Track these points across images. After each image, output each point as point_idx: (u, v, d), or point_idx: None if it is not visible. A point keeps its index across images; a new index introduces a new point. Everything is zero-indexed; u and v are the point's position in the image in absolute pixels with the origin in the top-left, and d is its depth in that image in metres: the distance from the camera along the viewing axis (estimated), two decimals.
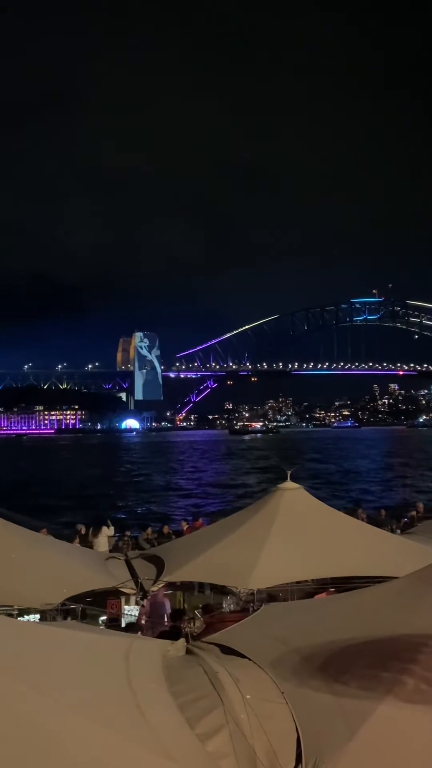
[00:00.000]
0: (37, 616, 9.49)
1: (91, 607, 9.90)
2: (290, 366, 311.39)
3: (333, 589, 9.58)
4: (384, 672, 4.58)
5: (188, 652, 5.86)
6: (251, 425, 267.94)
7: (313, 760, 3.94)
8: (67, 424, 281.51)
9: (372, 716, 4.20)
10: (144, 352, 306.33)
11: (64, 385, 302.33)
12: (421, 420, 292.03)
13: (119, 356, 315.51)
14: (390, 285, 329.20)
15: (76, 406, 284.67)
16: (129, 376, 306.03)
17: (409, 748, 4.06)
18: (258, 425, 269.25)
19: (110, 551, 14.08)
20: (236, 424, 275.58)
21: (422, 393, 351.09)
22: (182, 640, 6.05)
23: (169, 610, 10.35)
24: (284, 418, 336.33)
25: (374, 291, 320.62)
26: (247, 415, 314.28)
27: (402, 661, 4.61)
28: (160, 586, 10.11)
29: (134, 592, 10.05)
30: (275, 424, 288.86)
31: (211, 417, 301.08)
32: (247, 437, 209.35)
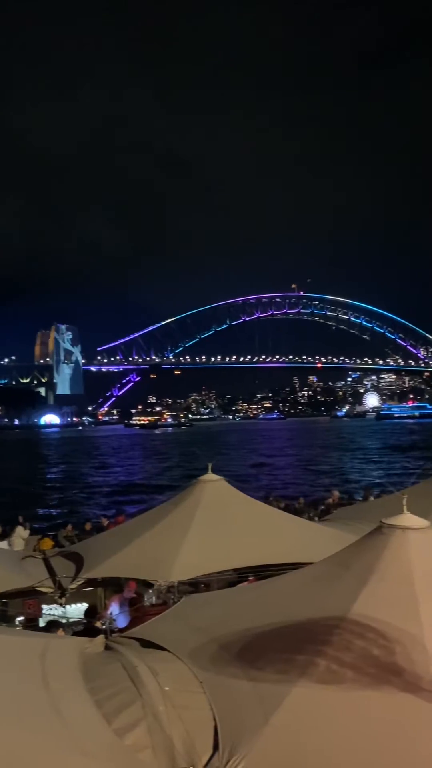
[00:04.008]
0: None
1: (5, 608, 9.62)
2: (213, 359, 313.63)
3: (253, 578, 9.77)
4: (298, 655, 4.72)
5: (107, 648, 5.82)
6: (163, 418, 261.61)
7: (230, 746, 4.02)
8: None
9: (286, 699, 4.33)
10: (64, 345, 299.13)
11: None
12: (343, 411, 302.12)
13: (37, 350, 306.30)
14: (309, 280, 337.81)
15: None
16: (48, 369, 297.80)
17: (321, 728, 4.20)
18: (168, 418, 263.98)
19: (27, 551, 13.69)
20: (130, 419, 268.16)
21: (340, 385, 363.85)
22: (101, 637, 6.01)
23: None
24: (207, 410, 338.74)
25: (293, 285, 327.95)
26: (150, 408, 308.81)
27: (315, 643, 4.77)
28: (79, 583, 9.95)
29: (52, 590, 9.84)
30: (188, 416, 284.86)
31: (134, 411, 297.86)
32: (157, 431, 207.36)
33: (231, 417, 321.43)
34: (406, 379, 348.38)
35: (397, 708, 4.20)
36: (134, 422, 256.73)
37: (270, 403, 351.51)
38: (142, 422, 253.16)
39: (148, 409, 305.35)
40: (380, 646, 4.54)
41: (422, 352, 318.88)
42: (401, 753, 3.97)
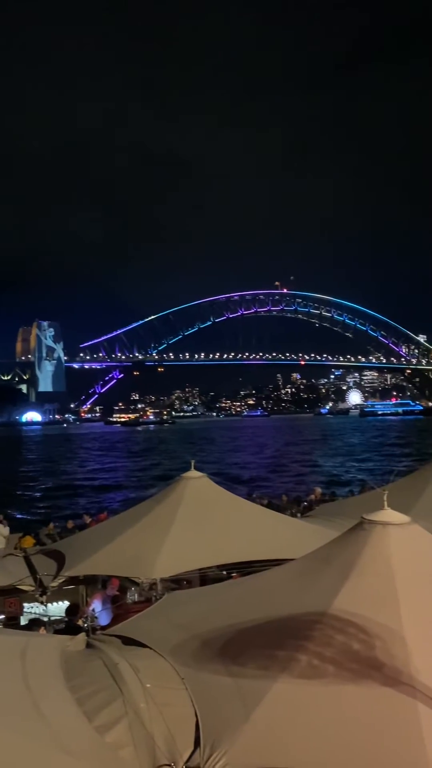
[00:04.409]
0: None
1: None
2: (196, 356, 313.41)
3: (236, 575, 9.78)
4: (280, 651, 4.74)
5: (89, 645, 5.80)
6: (145, 416, 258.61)
7: (211, 742, 4.03)
8: None
9: (267, 694, 4.34)
10: (46, 341, 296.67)
11: None
12: (326, 408, 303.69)
13: (19, 346, 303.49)
14: (292, 277, 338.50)
15: None
16: (29, 366, 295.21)
17: (301, 722, 4.23)
18: (151, 415, 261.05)
19: (8, 549, 13.58)
20: (110, 416, 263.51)
21: (322, 382, 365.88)
22: (82, 635, 5.97)
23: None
24: (191, 408, 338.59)
25: (277, 283, 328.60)
26: (136, 406, 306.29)
27: (297, 638, 4.80)
28: (61, 581, 9.89)
29: (33, 588, 9.77)
30: (171, 413, 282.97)
31: (116, 408, 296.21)
32: (139, 428, 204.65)
33: (215, 414, 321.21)
34: (388, 376, 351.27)
35: (377, 702, 4.24)
36: (114, 419, 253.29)
37: (253, 401, 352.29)
38: (122, 419, 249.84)
39: (131, 407, 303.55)
40: (361, 641, 4.57)
41: (404, 350, 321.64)
42: (381, 746, 4.00)
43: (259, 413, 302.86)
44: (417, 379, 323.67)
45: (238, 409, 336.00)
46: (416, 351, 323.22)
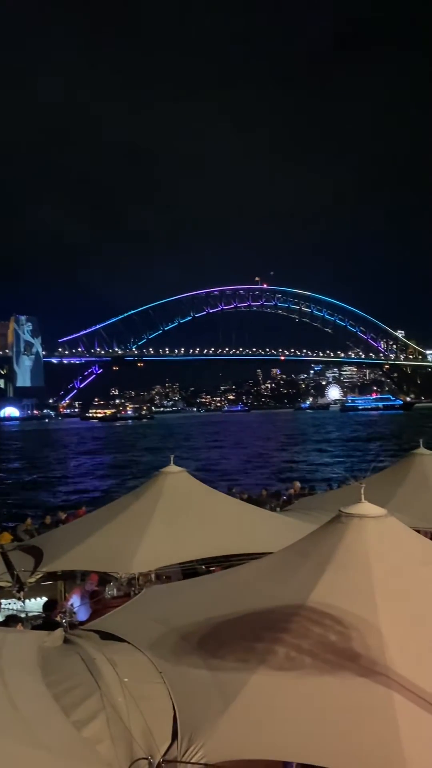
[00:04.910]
0: None
1: None
2: (176, 351, 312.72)
3: (215, 568, 9.81)
4: (258, 643, 4.76)
5: (67, 641, 5.76)
6: (123, 411, 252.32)
7: (188, 735, 4.03)
8: None
9: (245, 687, 4.36)
10: (24, 336, 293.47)
11: None
12: (307, 403, 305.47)
13: None
14: (272, 273, 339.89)
15: None
16: (7, 361, 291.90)
17: (279, 714, 4.26)
18: (129, 410, 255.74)
19: None
20: (86, 411, 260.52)
21: (302, 377, 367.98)
22: (59, 630, 5.94)
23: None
24: (171, 403, 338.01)
25: (257, 278, 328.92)
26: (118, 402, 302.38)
27: (275, 631, 4.82)
28: (39, 576, 9.82)
29: (10, 584, 9.68)
30: (151, 408, 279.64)
31: (96, 403, 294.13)
32: (117, 424, 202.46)
33: (195, 409, 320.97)
34: (367, 371, 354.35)
35: (353, 692, 4.28)
36: (91, 415, 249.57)
37: (234, 396, 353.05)
38: (99, 415, 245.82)
39: (111, 402, 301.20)
40: (337, 633, 4.61)
41: (382, 345, 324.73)
42: (358, 735, 4.04)
43: (239, 408, 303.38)
44: (395, 375, 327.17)
45: (219, 405, 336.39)
46: (394, 346, 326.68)
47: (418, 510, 11.11)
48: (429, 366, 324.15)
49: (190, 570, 10.45)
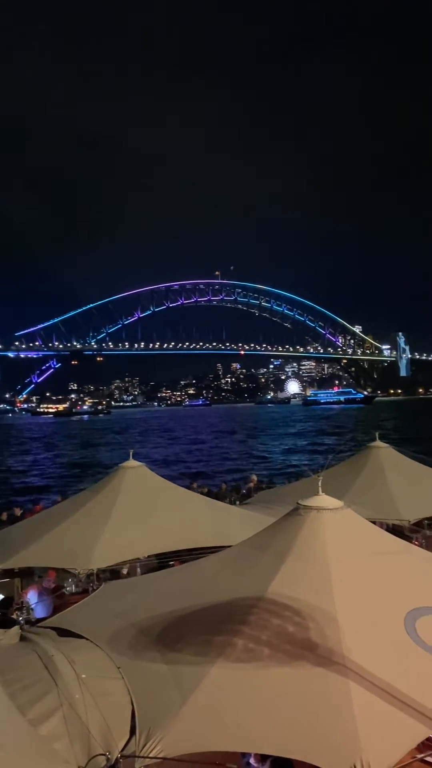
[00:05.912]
0: None
1: None
2: (136, 345, 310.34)
3: (174, 563, 9.79)
4: (216, 636, 4.78)
5: (23, 638, 5.67)
6: (79, 405, 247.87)
7: (147, 730, 4.02)
8: None
9: (204, 680, 4.38)
10: None
11: None
12: (268, 397, 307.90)
13: None
14: (232, 267, 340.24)
15: None
16: None
17: (237, 706, 4.28)
18: (85, 405, 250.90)
19: None
20: (38, 406, 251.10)
21: (262, 371, 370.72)
22: (15, 628, 5.84)
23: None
24: (131, 397, 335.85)
25: (217, 273, 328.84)
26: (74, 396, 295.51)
27: (233, 623, 4.85)
28: None
29: None
30: (110, 403, 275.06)
31: (53, 399, 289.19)
32: (73, 419, 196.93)
33: (156, 404, 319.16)
34: (326, 366, 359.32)
35: (310, 682, 4.34)
36: (43, 410, 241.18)
37: (194, 390, 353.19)
38: (51, 410, 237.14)
39: (70, 396, 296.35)
40: (295, 624, 4.67)
41: (340, 340, 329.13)
42: (315, 725, 4.10)
43: (200, 403, 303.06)
44: (352, 369, 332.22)
45: (179, 399, 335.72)
46: (352, 341, 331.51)
47: (374, 501, 11.33)
48: (385, 360, 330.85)
49: (149, 565, 10.41)
